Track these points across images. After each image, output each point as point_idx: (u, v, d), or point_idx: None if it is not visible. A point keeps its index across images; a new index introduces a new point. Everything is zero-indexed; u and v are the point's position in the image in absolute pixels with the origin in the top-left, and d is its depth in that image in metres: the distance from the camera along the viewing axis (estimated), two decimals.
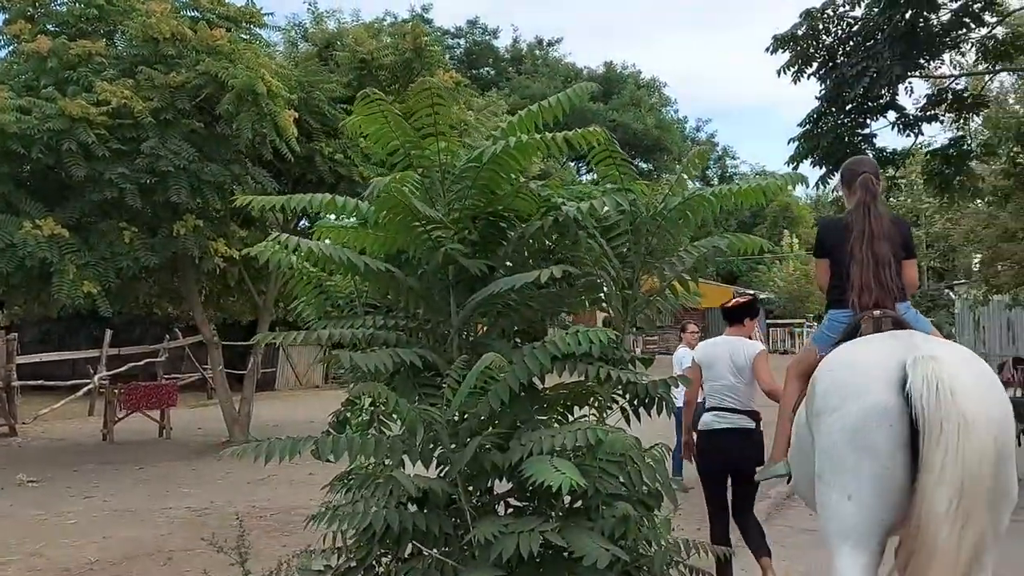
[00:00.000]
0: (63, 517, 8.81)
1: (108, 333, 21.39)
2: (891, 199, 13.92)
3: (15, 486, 10.63)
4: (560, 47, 53.09)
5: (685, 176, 4.48)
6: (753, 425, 6.02)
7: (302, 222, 14.78)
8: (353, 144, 13.14)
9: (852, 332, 4.10)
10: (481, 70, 48.79)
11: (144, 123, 11.11)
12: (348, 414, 5.04)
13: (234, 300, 16.60)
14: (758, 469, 5.20)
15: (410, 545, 4.10)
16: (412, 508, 4.09)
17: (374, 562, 4.34)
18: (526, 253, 4.40)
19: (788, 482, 4.70)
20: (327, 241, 4.48)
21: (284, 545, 7.62)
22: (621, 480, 4.04)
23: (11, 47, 12.23)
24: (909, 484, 3.42)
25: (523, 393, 4.06)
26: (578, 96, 4.11)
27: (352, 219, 4.48)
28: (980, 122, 13.51)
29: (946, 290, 31.45)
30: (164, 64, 11.60)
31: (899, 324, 4.03)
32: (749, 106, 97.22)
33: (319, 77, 12.84)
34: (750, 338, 6.30)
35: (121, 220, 11.70)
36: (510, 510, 4.28)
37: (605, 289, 4.45)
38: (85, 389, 20.15)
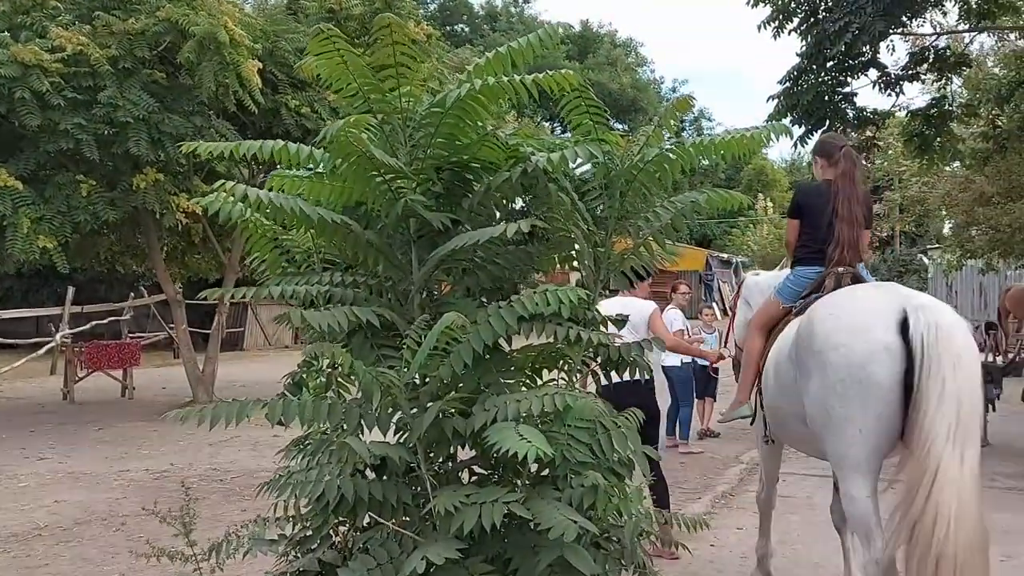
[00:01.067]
0: (14, 480, 8.52)
1: (71, 290, 20.87)
2: (869, 161, 13.70)
3: None
4: (536, 4, 52.36)
5: (663, 128, 4.20)
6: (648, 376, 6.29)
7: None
8: (320, 97, 12.77)
9: (818, 286, 4.73)
10: (455, 27, 48.02)
11: (101, 71, 10.65)
12: (304, 376, 4.77)
13: (199, 257, 16.19)
14: (722, 412, 5.64)
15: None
16: (370, 476, 3.86)
17: (330, 531, 4.12)
18: (493, 207, 4.13)
19: (752, 423, 5.18)
20: (281, 191, 4.18)
21: (244, 510, 7.38)
22: (591, 448, 3.81)
23: None
24: (903, 416, 3.88)
25: (488, 356, 3.82)
26: (549, 37, 3.82)
27: (306, 169, 4.19)
28: (960, 83, 13.30)
29: (919, 255, 31.43)
30: (122, 10, 11.14)
31: (856, 279, 4.70)
32: (722, 70, 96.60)
33: (285, 27, 12.39)
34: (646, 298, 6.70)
35: (78, 173, 11.28)
36: (473, 478, 4.05)
37: (576, 246, 4.19)
38: (47, 347, 19.67)
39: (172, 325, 24.28)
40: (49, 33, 10.59)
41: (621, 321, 4.40)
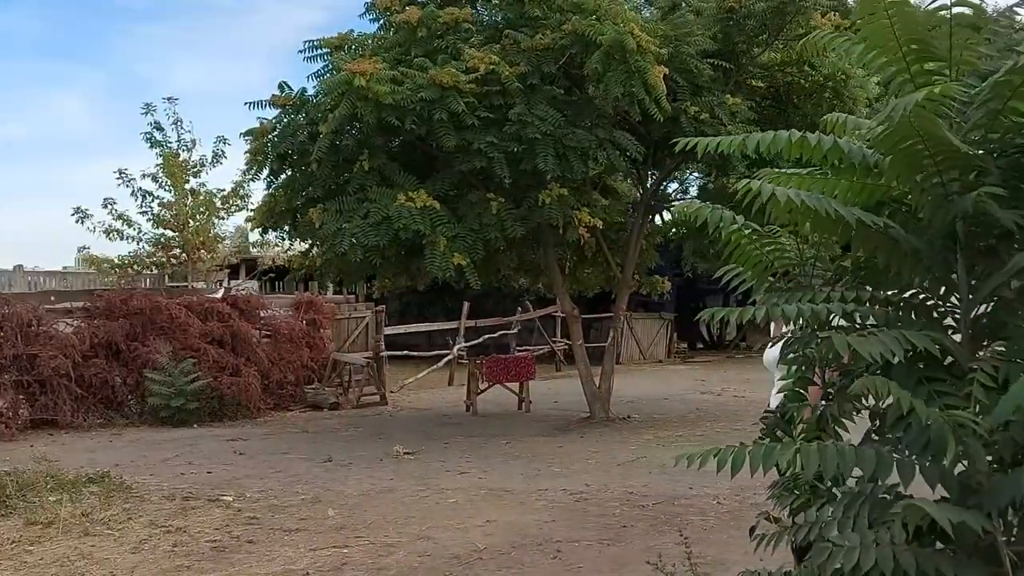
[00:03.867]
0: (443, 495, 8.61)
1: (466, 305, 21.97)
2: None
3: (393, 458, 10.74)
4: None
5: None
6: None
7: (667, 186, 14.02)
8: (720, 102, 12.12)
9: None
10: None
11: (511, 89, 10.76)
12: (793, 410, 4.07)
13: (588, 272, 16.18)
14: None
15: None
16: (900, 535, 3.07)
17: None
18: None
19: None
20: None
21: (678, 543, 6.83)
22: None
23: (381, 21, 12.38)
24: None
25: None
26: None
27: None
28: None
29: None
30: (529, 27, 11.20)
31: None
32: None
33: (686, 30, 11.87)
34: None
35: (487, 191, 11.50)
36: None
37: None
38: (445, 360, 20.82)
39: (555, 339, 24.91)
40: (462, 55, 10.86)
41: None
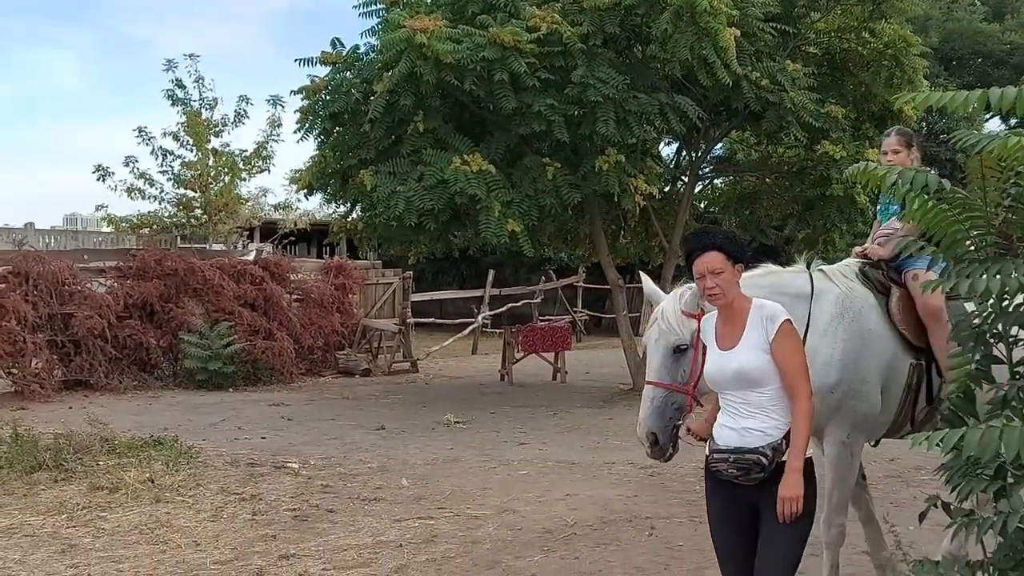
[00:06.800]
0: (511, 467, 8.35)
1: (491, 273, 21.68)
2: None
3: (445, 426, 10.49)
4: None
5: None
6: None
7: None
8: (781, 68, 11.78)
9: None
10: None
11: (573, 50, 10.40)
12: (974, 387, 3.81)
13: (627, 242, 15.86)
14: None
15: None
16: None
17: None
18: None
19: None
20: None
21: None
22: None
23: None
24: None
25: None
26: None
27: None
28: None
29: None
30: None
31: None
32: None
33: None
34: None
35: (543, 155, 11.17)
36: None
37: None
38: (470, 328, 20.56)
39: (576, 309, 24.66)
40: (522, 13, 10.49)
41: None
